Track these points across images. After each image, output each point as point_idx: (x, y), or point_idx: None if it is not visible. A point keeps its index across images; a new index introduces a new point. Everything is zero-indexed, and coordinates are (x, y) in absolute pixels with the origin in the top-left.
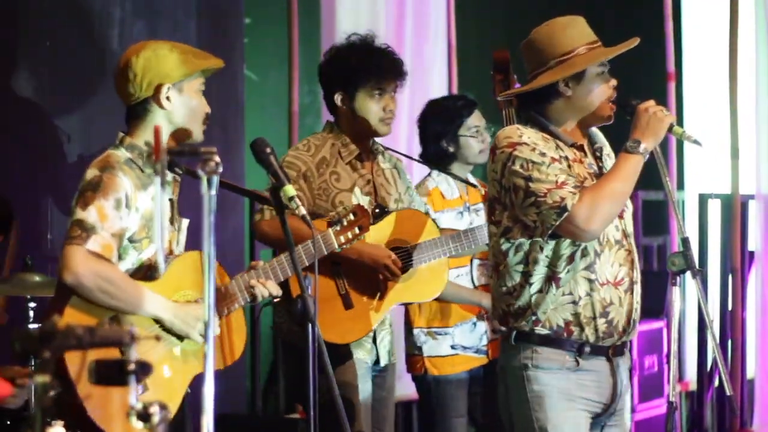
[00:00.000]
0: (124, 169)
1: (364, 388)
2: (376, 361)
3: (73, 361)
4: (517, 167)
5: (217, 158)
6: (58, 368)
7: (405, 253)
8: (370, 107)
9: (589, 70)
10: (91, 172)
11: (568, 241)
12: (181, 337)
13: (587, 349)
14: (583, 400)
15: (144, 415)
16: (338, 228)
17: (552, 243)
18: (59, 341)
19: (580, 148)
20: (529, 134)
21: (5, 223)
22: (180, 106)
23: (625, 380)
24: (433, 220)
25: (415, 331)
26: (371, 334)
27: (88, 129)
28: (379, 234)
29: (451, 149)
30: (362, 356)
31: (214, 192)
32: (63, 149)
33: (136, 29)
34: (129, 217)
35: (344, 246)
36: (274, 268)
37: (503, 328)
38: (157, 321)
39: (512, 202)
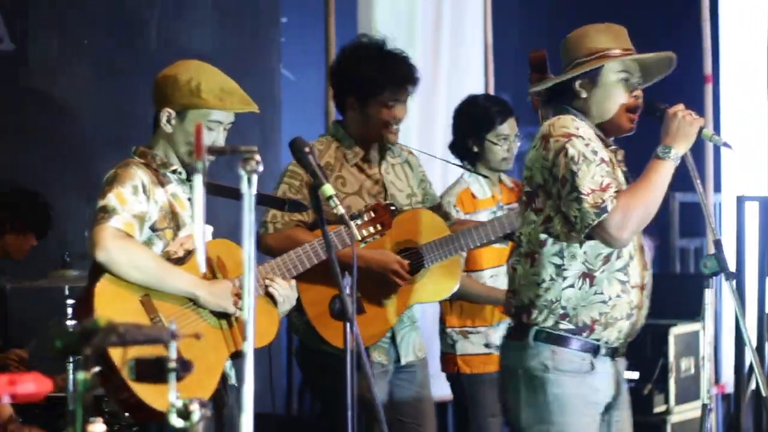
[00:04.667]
0: (139, 165)
1: (379, 391)
2: (397, 360)
3: (116, 352)
4: (568, 159)
5: (258, 157)
6: (104, 361)
7: (416, 254)
8: (382, 116)
9: (608, 75)
10: (108, 173)
11: None
12: (216, 314)
13: (602, 351)
14: (596, 405)
15: (184, 413)
16: (359, 222)
17: (592, 241)
18: (100, 339)
19: (613, 153)
20: (584, 129)
21: (43, 227)
22: (179, 133)
23: (623, 375)
24: (443, 217)
25: (448, 330)
26: (388, 335)
27: (124, 130)
28: (389, 235)
29: (475, 149)
30: (377, 358)
31: (254, 191)
32: (98, 150)
33: (173, 30)
34: (148, 205)
35: (367, 240)
36: (286, 263)
37: (513, 323)
38: (190, 300)
39: (558, 193)
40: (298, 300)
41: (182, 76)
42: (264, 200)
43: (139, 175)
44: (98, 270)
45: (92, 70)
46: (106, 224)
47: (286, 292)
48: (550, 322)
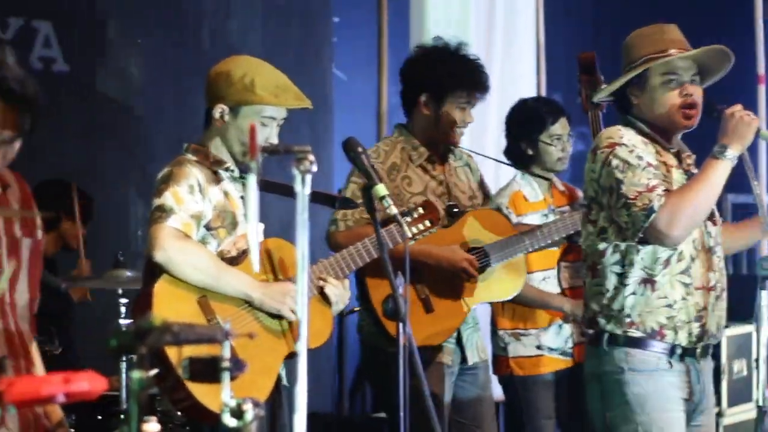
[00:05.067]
0: (193, 163)
1: (443, 392)
2: (463, 361)
3: (173, 351)
4: (613, 168)
5: (312, 157)
6: (160, 360)
7: (482, 253)
8: (454, 116)
9: (653, 78)
10: (162, 171)
11: None
12: (272, 316)
13: (678, 351)
14: (678, 400)
15: (237, 413)
16: (409, 219)
17: (649, 246)
18: (155, 338)
19: (677, 155)
20: (629, 136)
21: (90, 212)
22: (232, 129)
23: (709, 381)
24: (507, 217)
25: (500, 332)
26: (454, 335)
27: (178, 128)
28: (454, 235)
29: (530, 152)
30: (443, 359)
31: (307, 190)
32: (153, 148)
33: (227, 29)
34: (203, 204)
35: (417, 237)
36: (345, 260)
37: (591, 331)
38: (246, 301)
39: (608, 203)
40: (367, 298)
41: (236, 72)
42: (315, 197)
43: (194, 173)
44: (155, 270)
45: (147, 70)
46: (164, 224)
47: (339, 292)
48: (619, 330)
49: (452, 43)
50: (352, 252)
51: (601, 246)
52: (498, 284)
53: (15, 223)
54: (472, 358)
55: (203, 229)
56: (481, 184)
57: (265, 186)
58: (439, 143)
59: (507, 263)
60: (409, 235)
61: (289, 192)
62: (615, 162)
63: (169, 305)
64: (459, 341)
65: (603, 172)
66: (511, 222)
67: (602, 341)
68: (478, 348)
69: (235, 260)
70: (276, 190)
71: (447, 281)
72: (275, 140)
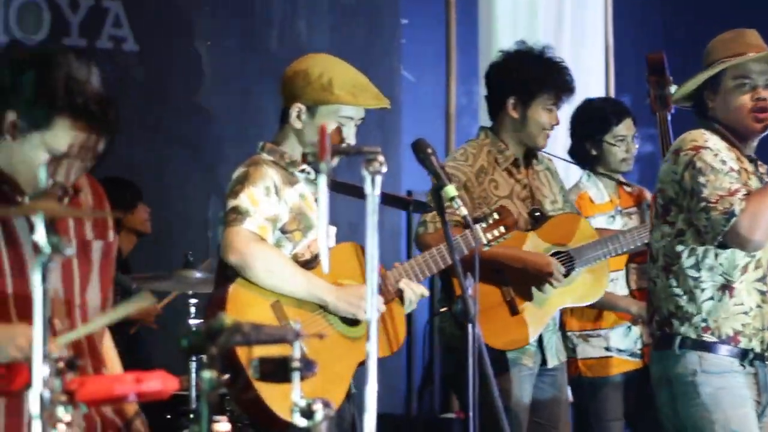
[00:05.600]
0: (269, 164)
1: (524, 394)
2: (543, 362)
3: (243, 351)
4: (696, 171)
5: (381, 158)
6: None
7: (566, 257)
8: (541, 118)
9: (726, 82)
10: (238, 171)
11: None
12: (346, 321)
13: (750, 356)
14: (750, 399)
15: (307, 413)
16: (484, 225)
17: (728, 251)
18: (226, 338)
19: (753, 161)
20: (714, 141)
21: (127, 202)
22: (309, 129)
23: None
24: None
25: (568, 334)
26: (536, 337)
27: (247, 129)
28: (539, 239)
29: (594, 152)
30: (525, 361)
31: (377, 191)
32: (221, 149)
33: (295, 30)
34: (279, 206)
35: (492, 243)
36: (420, 265)
37: (657, 333)
38: (320, 306)
39: (688, 205)
40: (452, 300)
41: (313, 71)
42: (388, 200)
43: (270, 174)
44: (228, 273)
45: (215, 70)
46: (240, 227)
47: (416, 297)
48: (693, 334)
49: (537, 46)
50: (427, 258)
51: (678, 248)
52: (581, 289)
53: (86, 225)
54: (551, 361)
55: (278, 232)
56: (563, 189)
57: (335, 187)
58: (526, 146)
59: (590, 268)
60: (484, 240)
61: (360, 194)
62: (699, 165)
63: (243, 309)
64: (540, 343)
65: (685, 174)
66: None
67: (674, 344)
68: (558, 351)
69: (308, 264)
70: (347, 192)
71: (532, 284)
72: (353, 140)
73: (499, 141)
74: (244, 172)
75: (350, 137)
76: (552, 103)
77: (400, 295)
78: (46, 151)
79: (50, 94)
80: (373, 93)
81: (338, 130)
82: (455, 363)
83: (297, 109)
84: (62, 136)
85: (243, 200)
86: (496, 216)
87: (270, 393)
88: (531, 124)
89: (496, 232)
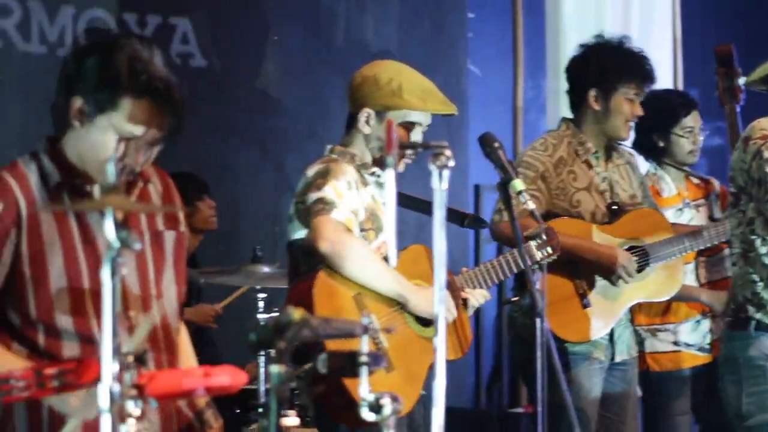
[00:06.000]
0: (346, 162)
1: (593, 388)
2: (612, 357)
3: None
4: (763, 161)
5: (449, 152)
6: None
7: (641, 252)
8: (623, 109)
9: None
10: (314, 168)
11: None
12: (420, 321)
13: None
14: None
15: (375, 407)
16: (538, 242)
17: None
18: (294, 332)
19: None
20: None
21: (190, 195)
22: (377, 134)
23: None
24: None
25: (636, 328)
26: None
27: (313, 123)
28: (615, 233)
29: (661, 144)
30: (596, 354)
31: (445, 186)
32: (288, 144)
33: (362, 26)
34: (358, 202)
35: (541, 262)
36: (488, 271)
37: (734, 316)
38: (399, 303)
39: (756, 195)
40: (524, 288)
41: (383, 76)
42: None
43: (350, 171)
44: (302, 267)
45: (283, 66)
46: (329, 216)
47: (481, 302)
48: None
49: (615, 37)
50: (495, 265)
51: (752, 236)
52: (654, 285)
53: (157, 217)
54: (620, 355)
55: (357, 229)
56: (643, 184)
57: (402, 200)
58: (607, 138)
59: (665, 264)
60: (537, 257)
61: (427, 208)
62: (766, 155)
63: (328, 300)
64: (611, 337)
65: (753, 164)
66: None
67: (749, 326)
68: (629, 345)
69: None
70: (414, 206)
71: (604, 277)
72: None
73: (580, 133)
74: (324, 167)
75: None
76: (634, 93)
77: (464, 301)
78: (114, 132)
79: (114, 75)
80: (441, 99)
81: (406, 133)
82: (525, 354)
83: (366, 114)
84: (128, 116)
85: (328, 192)
86: (544, 237)
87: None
88: (613, 116)
89: (544, 252)
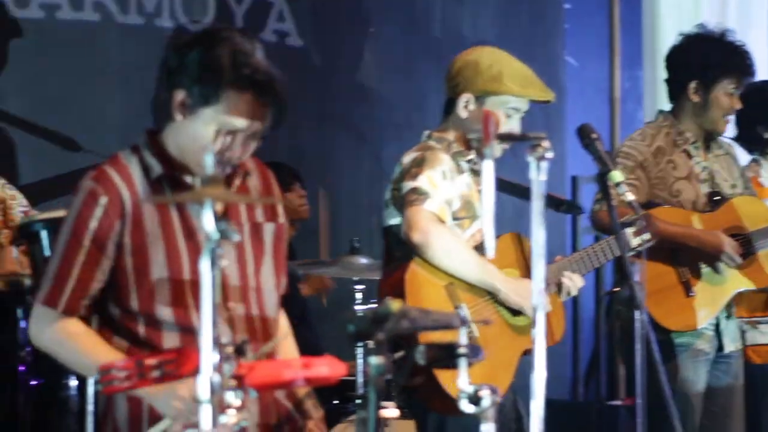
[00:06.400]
0: (443, 151)
1: (699, 380)
2: (719, 348)
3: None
4: None
5: (547, 144)
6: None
7: (744, 240)
8: (723, 102)
9: None
10: (410, 155)
11: None
12: (512, 310)
13: None
14: None
15: (474, 399)
16: (635, 229)
17: None
18: (392, 324)
19: None
20: None
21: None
22: (476, 119)
23: None
24: None
25: (737, 321)
26: (713, 322)
27: (410, 114)
28: (717, 221)
29: (766, 136)
30: (701, 346)
31: (543, 177)
32: (388, 134)
33: (459, 17)
34: (453, 190)
35: (636, 249)
36: (583, 259)
37: None
38: (490, 293)
39: None
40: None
41: (484, 61)
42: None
43: (445, 160)
44: (397, 254)
45: (379, 56)
46: (422, 207)
47: (576, 289)
48: None
49: (717, 29)
50: (590, 252)
51: None
52: (758, 273)
53: (257, 208)
54: (728, 346)
55: (450, 218)
56: (743, 174)
57: (500, 185)
58: (705, 131)
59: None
60: (633, 244)
61: (525, 193)
62: None
63: (420, 290)
64: (716, 329)
65: None
66: None
67: None
68: (735, 337)
69: (479, 250)
70: (512, 191)
71: (708, 265)
72: (513, 129)
73: (679, 124)
74: (419, 155)
75: (516, 129)
76: (734, 87)
77: (558, 285)
78: (216, 125)
79: (217, 68)
80: (540, 86)
81: (503, 117)
82: (631, 346)
83: (465, 99)
84: (231, 108)
85: (422, 181)
86: (641, 223)
87: (446, 378)
88: (712, 109)
89: (645, 237)
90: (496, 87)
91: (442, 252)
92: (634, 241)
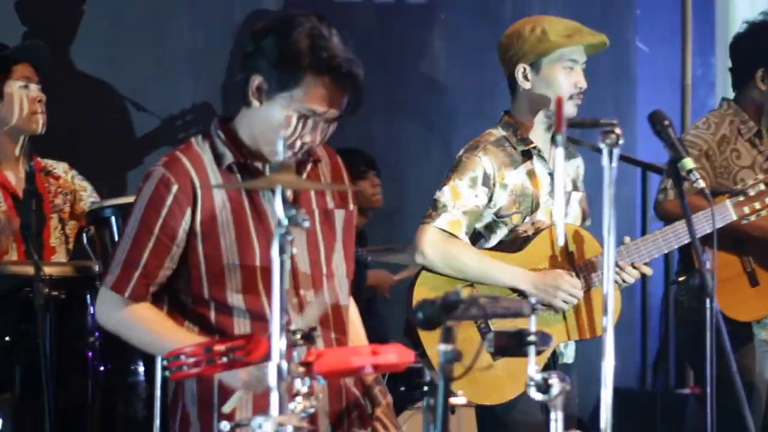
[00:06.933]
0: (488, 149)
1: (765, 369)
2: None
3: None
4: None
5: (618, 130)
6: None
7: None
8: None
9: None
10: (459, 153)
11: None
12: (545, 305)
13: None
14: None
15: (544, 387)
16: (740, 198)
17: None
18: (462, 311)
19: None
20: None
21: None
22: (538, 86)
23: None
24: None
25: None
26: None
27: (481, 102)
28: None
29: None
30: (765, 336)
31: (615, 164)
32: (456, 122)
33: (529, 4)
34: (494, 195)
35: (746, 218)
36: (655, 242)
37: None
38: (515, 291)
39: None
40: (689, 268)
41: (525, 28)
42: (641, 165)
43: (482, 164)
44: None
45: (449, 43)
46: (430, 225)
47: (633, 280)
48: None
49: None
50: (657, 237)
51: None
52: None
53: (327, 195)
54: None
55: (491, 216)
56: None
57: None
58: None
59: None
60: (734, 216)
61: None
62: None
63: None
64: None
65: None
66: None
67: None
68: None
69: (527, 240)
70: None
71: None
72: (584, 84)
73: (743, 112)
74: (459, 158)
75: (581, 81)
76: None
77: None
78: (294, 110)
79: (295, 53)
80: (588, 31)
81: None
82: (693, 336)
83: (521, 69)
84: (308, 94)
85: (444, 193)
86: (762, 187)
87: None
88: None
89: (756, 205)
90: (544, 46)
91: (445, 268)
92: (742, 210)
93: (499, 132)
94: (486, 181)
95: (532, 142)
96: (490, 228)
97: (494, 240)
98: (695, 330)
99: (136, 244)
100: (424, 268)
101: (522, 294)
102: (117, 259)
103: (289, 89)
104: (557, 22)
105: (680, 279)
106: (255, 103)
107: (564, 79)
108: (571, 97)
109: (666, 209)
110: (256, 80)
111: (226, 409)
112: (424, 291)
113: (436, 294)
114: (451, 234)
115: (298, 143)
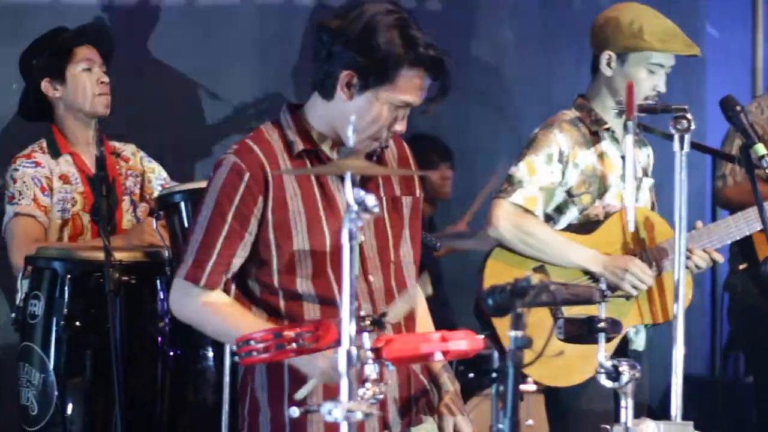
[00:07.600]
0: (563, 127)
1: None
2: None
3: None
4: None
5: (690, 116)
6: None
7: None
8: None
9: None
10: (535, 130)
11: None
12: (614, 289)
13: None
14: None
15: (613, 375)
16: None
17: None
18: (532, 297)
19: None
20: None
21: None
22: (618, 77)
23: None
24: None
25: None
26: None
27: (549, 89)
28: None
29: None
30: None
31: (686, 150)
32: (525, 109)
33: None
34: (566, 172)
35: None
36: (727, 229)
37: None
38: (586, 273)
39: None
40: (752, 257)
41: (624, 18)
42: (712, 152)
43: (558, 141)
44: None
45: (518, 30)
46: (505, 200)
47: (705, 266)
48: None
49: None
50: (729, 223)
51: None
52: None
53: (395, 181)
54: None
55: (563, 194)
56: None
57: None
58: None
59: None
60: None
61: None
62: None
63: (500, 278)
64: None
65: None
66: None
67: None
68: None
69: (597, 225)
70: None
71: None
72: (663, 89)
73: None
74: (534, 135)
75: (661, 85)
76: None
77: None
78: (386, 102)
79: (390, 49)
80: (684, 40)
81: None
82: (747, 321)
83: (607, 56)
84: (405, 86)
85: (520, 169)
86: None
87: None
88: None
89: None
90: (636, 43)
91: (519, 244)
92: None
93: (573, 113)
94: (561, 158)
95: (606, 123)
96: (560, 209)
97: (563, 222)
98: (752, 318)
99: (210, 233)
100: (497, 244)
101: (592, 276)
102: (190, 249)
103: (385, 84)
104: (656, 22)
105: (741, 267)
106: (343, 96)
107: (645, 80)
108: (646, 98)
109: (727, 196)
110: (347, 75)
111: (300, 395)
112: (496, 266)
113: (506, 271)
114: (526, 210)
115: (385, 133)
